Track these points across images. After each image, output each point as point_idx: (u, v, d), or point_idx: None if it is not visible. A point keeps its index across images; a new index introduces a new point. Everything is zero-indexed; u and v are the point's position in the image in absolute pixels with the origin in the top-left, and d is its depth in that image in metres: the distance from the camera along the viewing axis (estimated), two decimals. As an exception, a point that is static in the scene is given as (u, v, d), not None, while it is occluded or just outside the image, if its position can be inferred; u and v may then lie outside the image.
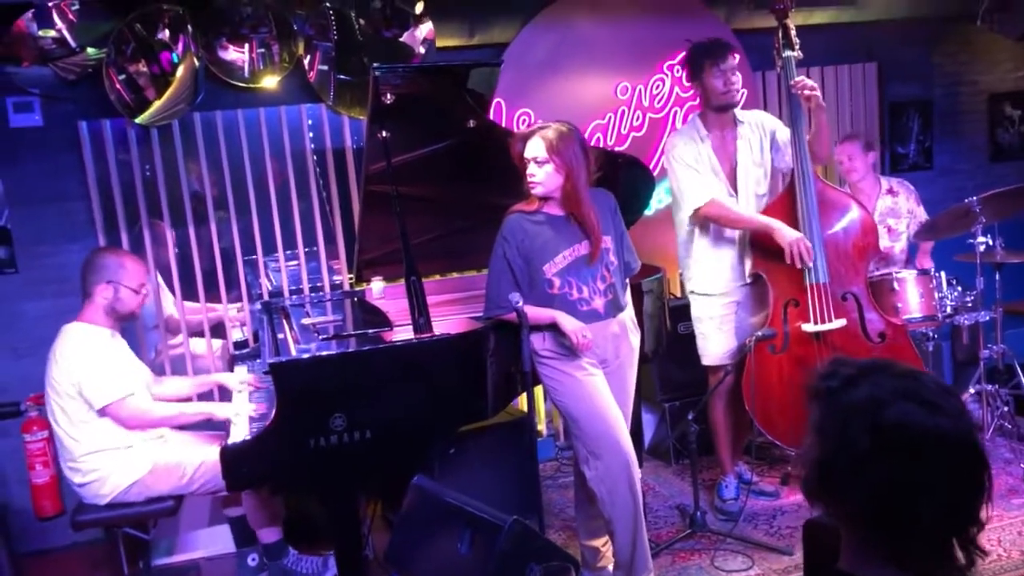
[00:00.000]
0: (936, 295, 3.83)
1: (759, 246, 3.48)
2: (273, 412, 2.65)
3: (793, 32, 3.49)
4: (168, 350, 4.16)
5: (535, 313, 2.81)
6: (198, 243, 4.18)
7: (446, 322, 3.26)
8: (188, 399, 3.49)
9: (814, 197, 3.40)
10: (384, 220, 3.11)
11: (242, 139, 4.17)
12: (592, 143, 4.38)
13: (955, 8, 5.18)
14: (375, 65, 2.88)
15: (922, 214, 4.37)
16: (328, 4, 4.09)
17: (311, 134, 4.30)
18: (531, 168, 2.83)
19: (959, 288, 3.98)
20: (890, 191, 4.38)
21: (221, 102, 4.09)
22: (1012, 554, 3.18)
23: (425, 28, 4.22)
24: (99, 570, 3.56)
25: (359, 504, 2.91)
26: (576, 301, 2.87)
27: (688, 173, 3.51)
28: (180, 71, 3.87)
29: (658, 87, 4.75)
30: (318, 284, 4.40)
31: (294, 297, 4.05)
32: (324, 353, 2.81)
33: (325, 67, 4.16)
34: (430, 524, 2.27)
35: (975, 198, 3.76)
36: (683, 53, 3.69)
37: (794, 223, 3.40)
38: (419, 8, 4.19)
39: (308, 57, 4.12)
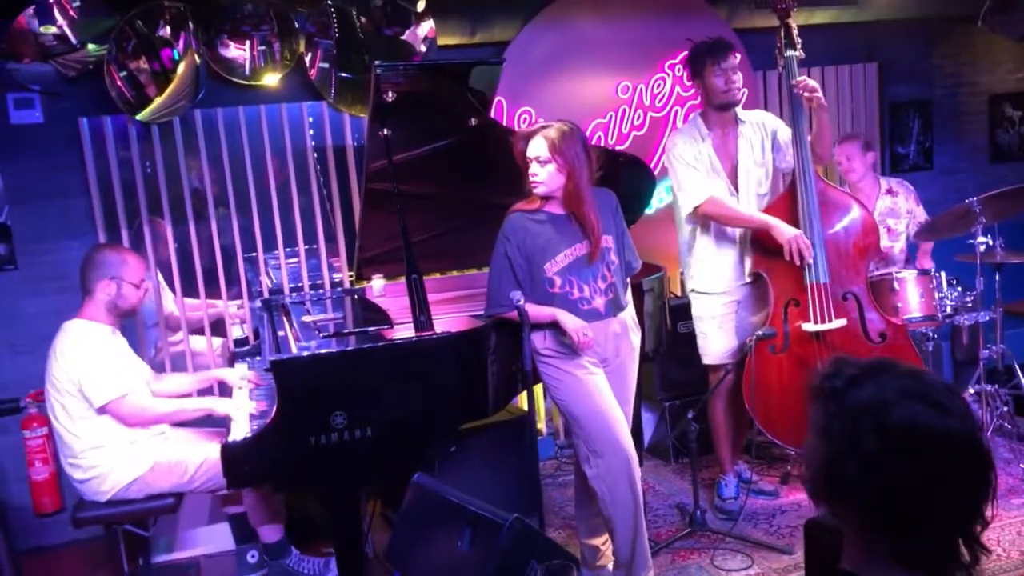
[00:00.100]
0: (936, 295, 3.83)
1: (760, 245, 3.48)
2: (274, 410, 2.65)
3: (795, 31, 3.49)
4: (168, 347, 4.16)
5: (536, 311, 2.81)
6: (198, 240, 4.18)
7: (446, 320, 3.26)
8: (188, 395, 3.48)
9: (815, 197, 3.41)
10: (385, 218, 3.11)
11: (243, 136, 4.16)
12: (593, 142, 4.39)
13: (956, 9, 5.18)
14: (376, 63, 2.87)
15: (921, 214, 4.37)
16: (329, 2, 4.09)
17: (312, 132, 4.30)
18: (533, 167, 2.83)
19: (959, 288, 3.99)
20: (889, 191, 4.38)
21: (222, 99, 4.09)
22: (1012, 554, 3.18)
23: (426, 26, 4.22)
24: (98, 567, 3.56)
25: (360, 502, 2.90)
26: (577, 300, 2.87)
27: (688, 171, 3.51)
28: (181, 68, 3.87)
29: (659, 86, 4.75)
30: (318, 282, 4.40)
31: (294, 295, 4.05)
32: (325, 351, 2.81)
33: (326, 65, 4.15)
34: (431, 522, 2.27)
35: (975, 199, 3.76)
36: (684, 52, 3.68)
37: (795, 223, 3.40)
38: (420, 6, 4.18)
39: (309, 55, 4.12)
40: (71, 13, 3.70)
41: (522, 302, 2.71)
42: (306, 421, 2.63)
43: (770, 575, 3.19)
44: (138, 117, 3.87)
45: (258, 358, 3.71)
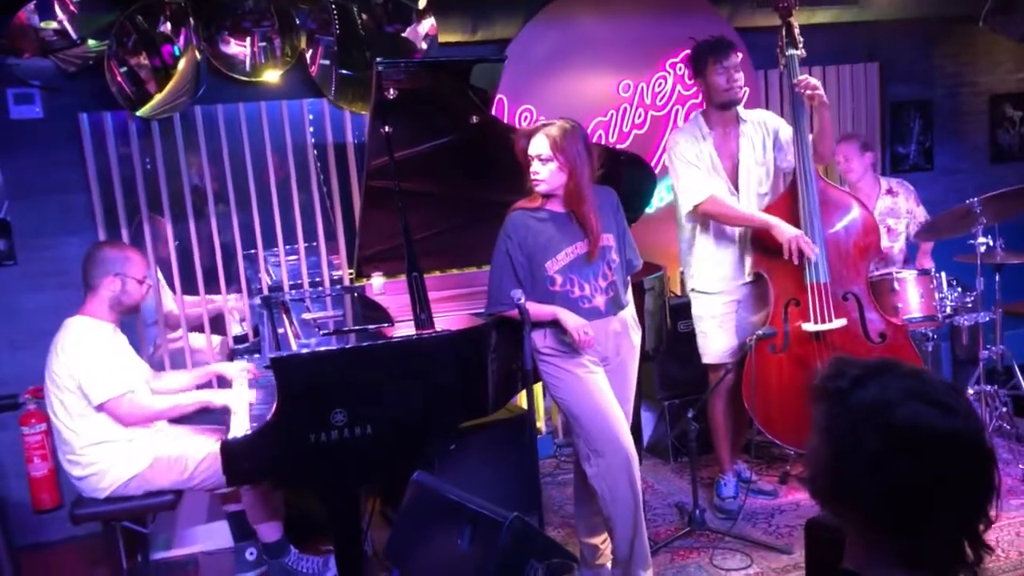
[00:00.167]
0: (936, 295, 3.83)
1: (760, 245, 3.48)
2: (274, 406, 2.64)
3: (797, 30, 3.48)
4: (167, 344, 4.16)
5: (537, 310, 2.81)
6: (198, 237, 4.17)
7: (446, 318, 3.26)
8: (187, 391, 3.48)
9: (815, 196, 3.40)
10: (385, 216, 3.11)
11: (243, 133, 4.16)
12: (594, 140, 4.38)
13: (957, 9, 5.18)
14: (378, 60, 2.87)
15: (922, 214, 4.37)
16: (330, -2, 4.08)
17: (312, 128, 4.29)
18: (535, 165, 2.82)
19: (959, 289, 3.99)
20: (889, 191, 4.39)
21: (222, 96, 4.08)
22: (1010, 554, 3.19)
23: (427, 23, 4.21)
24: (97, 564, 3.55)
25: (359, 499, 2.90)
26: (578, 299, 2.87)
27: (688, 170, 3.51)
28: (181, 64, 3.86)
29: (660, 85, 4.75)
30: (317, 279, 4.39)
31: (294, 292, 4.04)
32: (326, 348, 2.81)
33: (327, 62, 4.14)
34: (430, 520, 2.26)
35: (976, 199, 3.76)
36: (686, 51, 3.68)
37: (795, 222, 3.40)
38: (422, 3, 4.17)
39: (310, 51, 4.11)
40: (71, 8, 3.70)
41: (523, 300, 2.71)
42: (306, 418, 2.63)
43: (769, 574, 3.19)
44: (138, 113, 3.86)
45: (257, 356, 3.71)
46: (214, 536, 3.80)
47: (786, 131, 3.56)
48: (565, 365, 2.89)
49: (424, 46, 4.22)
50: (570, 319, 2.80)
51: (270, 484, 3.16)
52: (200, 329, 4.24)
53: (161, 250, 4.14)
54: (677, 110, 4.78)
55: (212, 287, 4.24)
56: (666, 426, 4.38)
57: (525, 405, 2.93)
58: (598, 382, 2.90)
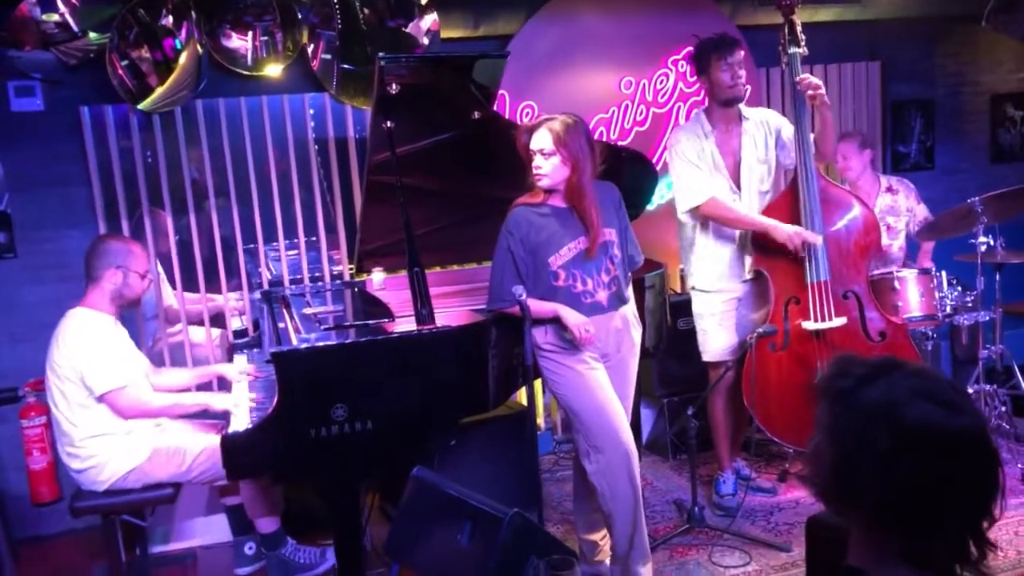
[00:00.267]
0: (936, 295, 3.83)
1: (760, 243, 3.48)
2: (274, 401, 2.64)
3: (799, 28, 3.47)
4: (167, 338, 4.15)
5: (538, 307, 2.80)
6: (199, 231, 4.17)
7: (446, 314, 3.25)
8: (187, 390, 3.48)
9: (816, 195, 3.40)
10: (386, 211, 3.11)
11: (244, 127, 4.15)
12: (595, 137, 4.37)
13: (959, 8, 5.18)
14: (381, 55, 2.86)
15: (922, 212, 4.37)
16: (332, -7, 4.08)
17: (313, 123, 4.29)
18: (537, 160, 2.82)
19: (959, 288, 3.99)
20: (889, 189, 4.39)
21: (224, 89, 4.07)
22: (1008, 553, 3.19)
23: (429, 19, 4.20)
24: (95, 557, 3.55)
25: (360, 494, 2.90)
26: (580, 293, 2.87)
27: (689, 169, 3.51)
28: (183, 58, 3.85)
29: (662, 82, 4.75)
30: (317, 274, 4.39)
31: (294, 286, 4.04)
32: (327, 343, 2.80)
33: (328, 56, 4.14)
34: (430, 515, 2.26)
35: (977, 199, 3.77)
36: (687, 48, 3.68)
37: (796, 220, 3.40)
38: (424, -2, 4.18)
39: (312, 46, 4.10)
40: (73, 1, 3.69)
41: (524, 297, 2.71)
42: (306, 413, 2.63)
43: (768, 572, 3.20)
44: (139, 106, 3.86)
45: (256, 350, 3.71)
46: (213, 530, 3.80)
47: (788, 130, 3.55)
48: (566, 361, 2.89)
49: (426, 41, 4.21)
50: (571, 316, 2.80)
51: (270, 478, 3.16)
52: (200, 323, 4.24)
53: (161, 244, 4.14)
54: (679, 107, 4.78)
55: (212, 281, 4.24)
56: (665, 423, 4.38)
57: (525, 401, 2.93)
58: (599, 378, 2.90)
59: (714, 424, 3.76)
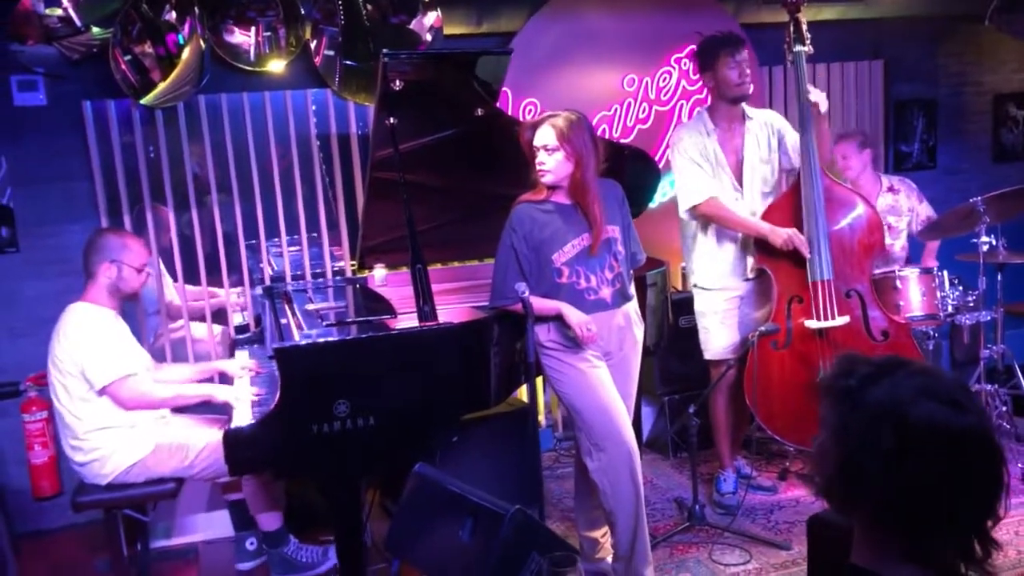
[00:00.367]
0: (938, 294, 3.83)
1: (762, 242, 3.48)
2: (276, 397, 2.64)
3: (804, 27, 3.47)
4: (168, 334, 4.15)
5: (541, 304, 2.80)
6: (200, 226, 4.17)
7: (448, 310, 3.25)
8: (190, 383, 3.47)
9: (821, 194, 3.40)
10: (388, 207, 3.10)
11: (247, 123, 4.15)
12: (598, 134, 4.37)
13: (962, 7, 5.17)
14: (384, 51, 2.86)
15: (925, 211, 4.37)
16: (336, -11, 4.07)
17: (316, 119, 4.28)
18: (541, 156, 2.82)
19: (961, 287, 3.99)
20: (891, 189, 4.39)
21: (226, 85, 4.07)
22: (1009, 553, 3.19)
23: (432, 15, 4.20)
24: (97, 551, 3.56)
25: (361, 491, 2.90)
26: (584, 290, 2.87)
27: (691, 168, 3.51)
28: (186, 53, 3.85)
29: (665, 80, 4.74)
30: (319, 270, 4.39)
31: (296, 282, 4.04)
32: (329, 339, 2.80)
33: (331, 52, 4.14)
34: (431, 511, 2.26)
35: (980, 198, 3.76)
36: (691, 46, 3.67)
37: (798, 220, 3.40)
38: (427, -6, 4.17)
39: (314, 42, 4.10)
40: (76, -5, 3.69)
41: (526, 294, 2.71)
42: (308, 409, 2.63)
43: (768, 570, 3.20)
44: (142, 102, 3.86)
45: (258, 346, 3.71)
46: (214, 525, 3.80)
47: (792, 135, 3.55)
48: (568, 359, 2.89)
49: (429, 38, 4.21)
50: (573, 315, 2.80)
51: (272, 474, 3.16)
52: (201, 319, 4.24)
53: (163, 239, 4.14)
54: (681, 105, 4.77)
55: (214, 276, 4.24)
56: (666, 421, 4.38)
57: (526, 398, 2.93)
58: (600, 376, 2.90)
59: (715, 422, 3.76)
